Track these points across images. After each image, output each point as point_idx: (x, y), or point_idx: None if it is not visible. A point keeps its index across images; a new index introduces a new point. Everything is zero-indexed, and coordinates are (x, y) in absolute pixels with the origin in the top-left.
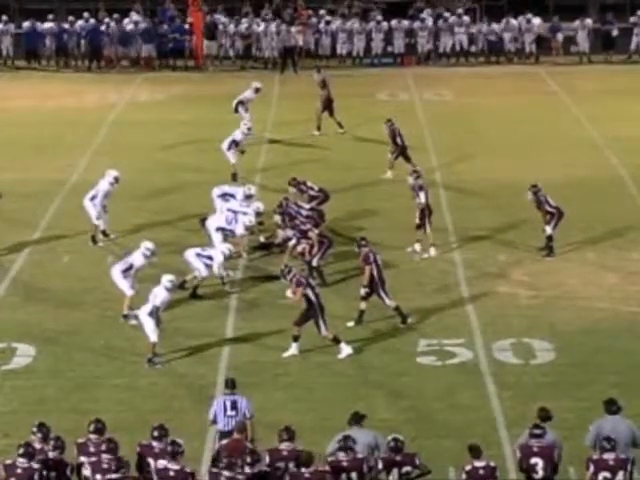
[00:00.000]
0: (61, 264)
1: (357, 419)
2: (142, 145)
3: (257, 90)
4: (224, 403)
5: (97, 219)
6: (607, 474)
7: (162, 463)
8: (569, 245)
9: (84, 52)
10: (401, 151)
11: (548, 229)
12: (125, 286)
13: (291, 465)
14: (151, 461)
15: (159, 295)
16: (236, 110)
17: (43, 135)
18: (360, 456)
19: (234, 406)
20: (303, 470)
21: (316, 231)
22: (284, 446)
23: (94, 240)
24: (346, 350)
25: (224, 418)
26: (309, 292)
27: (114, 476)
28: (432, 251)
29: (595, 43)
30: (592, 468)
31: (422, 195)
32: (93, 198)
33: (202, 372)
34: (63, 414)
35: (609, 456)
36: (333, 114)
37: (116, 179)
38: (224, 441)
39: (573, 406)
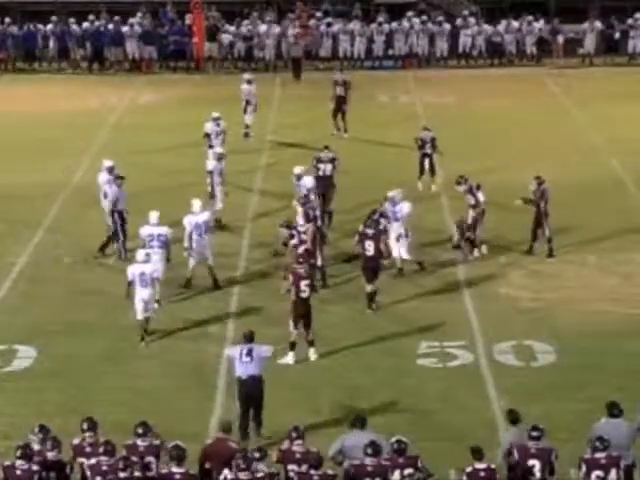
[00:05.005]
0: (62, 266)
1: (359, 421)
2: (143, 147)
3: (249, 82)
4: (240, 350)
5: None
6: (600, 472)
7: (149, 459)
8: (570, 247)
9: (85, 54)
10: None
11: (547, 231)
12: (160, 269)
13: (304, 466)
14: (135, 459)
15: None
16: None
17: (44, 137)
18: (385, 463)
19: (249, 353)
20: (312, 472)
21: (311, 228)
22: (296, 445)
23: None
24: (291, 358)
25: (240, 364)
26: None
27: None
28: (477, 252)
29: (598, 46)
30: (584, 468)
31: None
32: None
33: (203, 374)
34: (64, 416)
35: (601, 455)
36: (336, 117)
37: (109, 169)
38: (208, 441)
39: (574, 408)
